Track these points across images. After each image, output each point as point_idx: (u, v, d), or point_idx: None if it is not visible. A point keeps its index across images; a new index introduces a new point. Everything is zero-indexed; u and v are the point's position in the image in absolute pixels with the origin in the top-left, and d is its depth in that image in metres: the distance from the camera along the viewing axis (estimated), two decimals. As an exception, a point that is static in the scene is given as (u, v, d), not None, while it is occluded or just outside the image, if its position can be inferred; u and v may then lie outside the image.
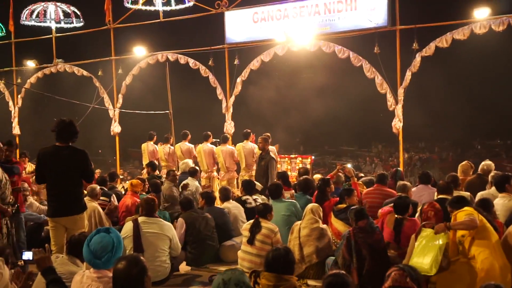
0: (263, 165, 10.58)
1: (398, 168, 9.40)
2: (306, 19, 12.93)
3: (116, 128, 15.81)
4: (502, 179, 7.04)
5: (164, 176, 10.84)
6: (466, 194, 7.55)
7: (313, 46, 12.72)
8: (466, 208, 5.42)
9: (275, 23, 13.36)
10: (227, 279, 3.24)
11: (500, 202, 6.78)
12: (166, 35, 20.50)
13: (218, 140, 12.54)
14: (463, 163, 9.25)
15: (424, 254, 5.36)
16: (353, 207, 6.36)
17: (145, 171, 12.02)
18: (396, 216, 6.43)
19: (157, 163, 12.30)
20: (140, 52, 15.32)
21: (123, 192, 9.87)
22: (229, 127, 14.04)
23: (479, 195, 7.19)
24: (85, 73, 16.08)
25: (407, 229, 6.20)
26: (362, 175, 11.33)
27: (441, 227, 5.44)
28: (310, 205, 6.93)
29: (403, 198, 6.65)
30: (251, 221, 6.84)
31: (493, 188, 7.34)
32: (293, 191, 8.85)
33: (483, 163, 8.68)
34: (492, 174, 7.98)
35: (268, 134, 12.12)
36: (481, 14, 10.91)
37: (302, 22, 12.93)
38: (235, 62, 13.92)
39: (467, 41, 11.42)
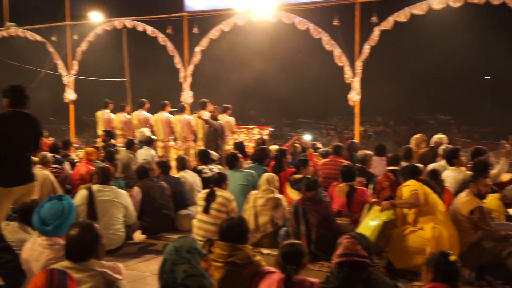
0: (211, 131, 10.65)
1: (354, 140, 9.54)
2: (266, -11, 12.80)
3: (70, 95, 15.44)
4: (451, 154, 7.26)
5: (120, 144, 10.69)
6: (419, 166, 7.76)
7: (273, 17, 12.64)
8: (411, 182, 5.56)
9: (236, -8, 13.19)
10: (179, 246, 3.24)
11: (450, 175, 6.99)
12: (124, 1, 20.02)
13: (176, 109, 12.42)
14: (416, 136, 9.46)
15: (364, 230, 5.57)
16: (306, 177, 6.46)
17: (100, 139, 11.83)
18: (347, 184, 6.60)
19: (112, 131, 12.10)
20: (96, 18, 14.90)
21: (78, 161, 9.71)
22: (187, 96, 13.90)
23: (431, 166, 7.39)
24: (38, 38, 15.56)
25: (358, 196, 6.42)
26: (320, 146, 11.46)
27: (387, 205, 5.65)
28: (266, 175, 6.97)
29: (348, 166, 6.94)
30: (206, 190, 6.85)
31: (444, 160, 7.56)
32: (250, 161, 8.88)
33: (435, 136, 8.91)
34: (443, 147, 8.19)
35: (228, 105, 12.13)
36: (439, -10, 11.02)
37: (263, -8, 12.80)
38: (194, 31, 13.73)
39: (425, 16, 11.54)
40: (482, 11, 12.36)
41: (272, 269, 3.99)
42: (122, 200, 6.58)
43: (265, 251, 6.50)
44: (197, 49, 13.66)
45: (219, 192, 6.71)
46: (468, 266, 5.48)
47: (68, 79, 15.29)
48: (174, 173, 8.56)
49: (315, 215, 6.07)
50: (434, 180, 6.21)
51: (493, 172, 7.38)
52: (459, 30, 27.32)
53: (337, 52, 11.98)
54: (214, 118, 10.81)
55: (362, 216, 6.13)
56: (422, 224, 5.39)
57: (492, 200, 6.16)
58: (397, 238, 5.45)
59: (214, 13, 13.51)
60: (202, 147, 10.80)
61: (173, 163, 9.00)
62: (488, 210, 5.73)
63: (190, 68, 13.88)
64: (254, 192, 6.94)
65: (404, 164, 7.59)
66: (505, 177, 7.58)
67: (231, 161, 7.92)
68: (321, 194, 6.29)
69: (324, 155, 9.09)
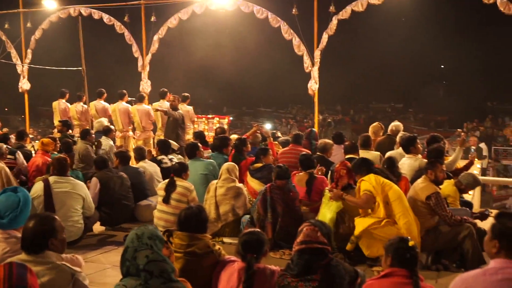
0: (171, 121, 10.58)
1: (313, 129, 9.61)
2: (225, -23, 12.72)
3: (24, 85, 15.05)
4: (408, 142, 7.41)
5: (77, 135, 10.49)
6: (376, 153, 7.91)
7: (231, 6, 12.58)
8: (368, 179, 5.62)
9: (194, -20, 13.05)
10: (140, 233, 3.22)
11: (407, 162, 7.14)
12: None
13: (134, 99, 12.26)
14: (374, 124, 9.61)
15: None
16: (278, 166, 6.46)
17: (56, 130, 11.58)
18: (306, 172, 6.66)
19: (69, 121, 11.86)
20: (50, 5, 14.53)
21: (33, 152, 9.48)
22: (146, 86, 13.75)
23: (388, 154, 7.53)
24: (-11, 25, 15.11)
25: (318, 185, 6.49)
26: (279, 135, 11.51)
27: (337, 196, 5.74)
28: (226, 164, 6.96)
29: (306, 155, 6.97)
30: (167, 180, 6.80)
31: (401, 148, 7.71)
32: (210, 150, 8.86)
33: (392, 124, 9.07)
34: (400, 135, 8.34)
35: (187, 94, 12.04)
36: (395, -20, 11.20)
37: (220, -20, 12.72)
38: (152, 19, 13.54)
39: (382, 6, 11.68)
40: (438, 1, 12.59)
41: (233, 258, 4.00)
42: (80, 192, 6.48)
43: (226, 240, 6.53)
44: (155, 37, 13.50)
45: (179, 182, 6.67)
46: (425, 250, 5.63)
47: (22, 68, 14.88)
48: (133, 163, 8.46)
49: (282, 205, 6.10)
50: (391, 168, 6.33)
51: (449, 159, 7.58)
52: (415, 19, 27.79)
53: (296, 41, 12.03)
54: (174, 107, 10.71)
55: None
56: (395, 216, 5.47)
57: (447, 186, 6.31)
58: (371, 229, 5.50)
59: (172, 1, 13.36)
60: (162, 137, 10.71)
61: (132, 153, 8.90)
62: (444, 195, 5.88)
63: (148, 57, 13.72)
64: (215, 181, 6.92)
65: (362, 152, 7.73)
66: (460, 164, 7.78)
67: (192, 151, 7.88)
68: (291, 184, 6.33)
69: (284, 144, 9.12)
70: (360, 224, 5.57)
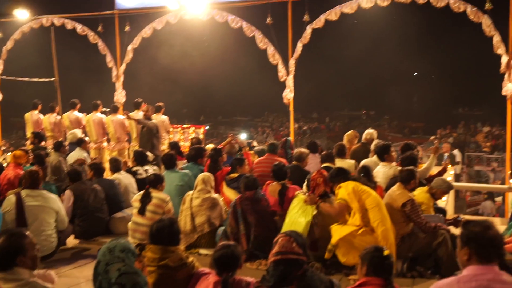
0: (145, 131, 10.51)
1: (288, 138, 9.63)
2: (199, -13, 12.71)
3: (-4, 96, 14.81)
4: (382, 149, 7.48)
5: (50, 147, 10.35)
6: (352, 162, 7.96)
7: (206, 15, 12.57)
8: (346, 185, 5.64)
9: (168, -11, 13.02)
10: (112, 246, 3.19)
11: (381, 170, 7.19)
12: (52, -2, 19.38)
13: (108, 109, 12.15)
14: (349, 132, 9.68)
15: (292, 228, 5.68)
16: (245, 177, 6.46)
17: (29, 141, 11.40)
18: (279, 182, 6.65)
19: (42, 133, 11.69)
20: (22, 16, 14.33)
21: (5, 164, 9.31)
22: (120, 96, 13.64)
23: (362, 162, 7.58)
24: (-40, 35, 14.84)
25: (290, 194, 6.48)
26: (255, 144, 11.51)
27: (312, 200, 5.76)
28: (201, 175, 6.93)
29: (279, 165, 6.89)
30: (142, 191, 6.75)
31: (376, 156, 7.77)
32: (186, 160, 8.81)
33: (366, 131, 9.14)
34: (374, 143, 8.41)
35: (161, 103, 11.98)
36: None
37: (195, -10, 12.70)
38: (126, 29, 13.47)
39: (355, 15, 11.79)
40: (409, 10, 12.78)
41: (207, 270, 3.98)
42: (53, 205, 6.38)
43: (202, 251, 6.49)
44: (129, 47, 13.42)
45: (155, 194, 6.63)
46: (400, 257, 5.67)
47: (-6, 79, 14.65)
48: (108, 175, 8.37)
49: (253, 215, 6.09)
50: (366, 176, 6.36)
51: (423, 167, 7.66)
52: (387, 27, 28.14)
53: (271, 50, 12.06)
54: (148, 118, 10.65)
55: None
56: (373, 224, 5.48)
57: (421, 193, 6.37)
58: (349, 237, 5.51)
59: (146, 11, 13.31)
60: (136, 148, 10.63)
61: (107, 165, 8.80)
62: (418, 203, 5.93)
63: (122, 67, 13.62)
64: (190, 192, 6.88)
65: (338, 160, 7.77)
66: (434, 171, 7.87)
67: (169, 162, 7.83)
68: (259, 193, 6.32)
69: (260, 153, 9.13)
70: (337, 232, 5.58)
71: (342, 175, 5.83)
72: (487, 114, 32.88)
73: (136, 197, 6.77)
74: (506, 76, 10.26)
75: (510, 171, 9.57)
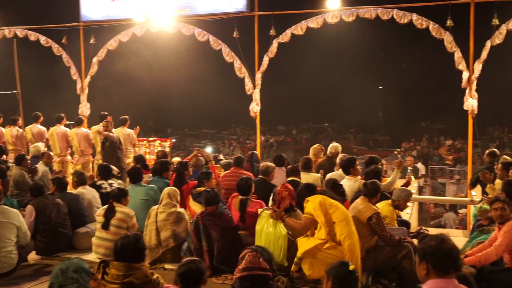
0: (108, 145, 10.39)
1: (254, 151, 9.65)
2: (166, 0, 12.69)
3: (-44, 108, 14.44)
4: (347, 163, 7.56)
5: (11, 160, 10.12)
6: (317, 175, 8.01)
7: (172, 28, 12.56)
8: (313, 199, 5.63)
9: (134, 2, 12.96)
10: (65, 267, 3.12)
11: (346, 184, 7.25)
12: (15, 9, 19.02)
13: (72, 122, 11.97)
14: (314, 146, 9.75)
15: (271, 243, 5.69)
16: (206, 191, 6.41)
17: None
18: (241, 197, 6.63)
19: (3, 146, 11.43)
20: (-17, 27, 14.08)
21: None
22: (85, 109, 13.48)
23: (328, 176, 7.63)
24: None
25: (251, 209, 6.45)
26: (222, 158, 11.49)
27: (278, 216, 5.76)
28: (167, 189, 6.87)
29: (244, 179, 6.82)
30: (106, 206, 6.65)
31: (341, 169, 7.85)
32: (151, 174, 8.73)
33: (331, 145, 9.24)
34: (340, 156, 8.48)
35: (126, 116, 11.88)
36: (333, 5, 11.46)
37: (161, 3, 12.68)
38: (91, 41, 13.34)
39: (321, 30, 11.94)
40: (374, 25, 13.00)
41: (172, 286, 3.93)
42: (14, 220, 6.21)
43: (168, 266, 6.41)
44: (94, 59, 13.29)
45: (119, 208, 6.54)
46: (365, 270, 5.71)
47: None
48: (71, 188, 8.22)
49: (216, 229, 6.04)
50: (335, 189, 6.39)
51: (387, 180, 7.76)
52: (354, 42, 28.55)
53: (237, 64, 12.11)
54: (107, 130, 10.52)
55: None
56: (339, 238, 5.49)
57: (384, 207, 6.44)
58: (315, 250, 5.51)
59: (111, 23, 13.23)
60: (101, 161, 10.49)
61: (70, 179, 8.65)
62: (382, 216, 5.99)
63: (87, 79, 13.47)
64: (155, 206, 6.82)
65: (303, 174, 7.80)
66: (398, 184, 7.98)
67: (135, 176, 7.75)
68: (221, 207, 6.29)
69: (226, 166, 9.11)
70: (303, 245, 5.58)
71: (310, 191, 5.85)
72: (449, 128, 33.63)
73: (99, 212, 6.67)
74: (467, 91, 10.53)
75: (470, 183, 9.78)
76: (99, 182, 8.29)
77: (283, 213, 5.89)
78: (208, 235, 6.02)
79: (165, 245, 6.53)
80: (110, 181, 8.34)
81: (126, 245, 4.11)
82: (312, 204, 5.58)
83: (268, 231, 5.87)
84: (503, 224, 5.34)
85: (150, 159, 11.44)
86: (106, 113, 11.57)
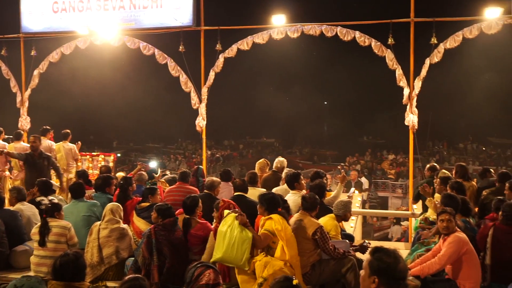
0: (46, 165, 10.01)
1: (200, 166, 9.60)
2: (110, 13, 12.52)
3: None
4: (292, 178, 7.62)
5: None
6: (263, 190, 8.01)
7: (117, 41, 12.40)
8: (277, 219, 5.63)
9: (77, 14, 12.72)
10: (20, 285, 2.99)
11: (291, 198, 7.31)
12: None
13: (11, 136, 11.57)
14: (260, 160, 9.79)
15: (235, 246, 5.60)
16: (159, 205, 6.29)
17: None
18: (184, 216, 6.50)
19: None
20: None
21: None
22: (25, 122, 13.08)
23: (273, 190, 7.66)
24: None
25: (195, 232, 6.28)
26: (168, 173, 11.37)
27: (243, 220, 5.69)
28: (109, 205, 6.72)
29: (190, 198, 6.57)
30: (39, 223, 6.44)
31: (286, 184, 7.91)
32: (94, 190, 8.52)
33: (276, 160, 9.29)
34: (285, 171, 8.55)
35: (68, 130, 11.59)
36: (278, 21, 11.61)
37: (106, 16, 12.51)
38: (32, 53, 12.99)
39: (267, 45, 12.05)
40: (318, 42, 13.25)
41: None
42: None
43: (110, 284, 6.25)
44: (35, 72, 12.94)
45: (54, 223, 6.35)
46: (311, 284, 5.75)
47: None
48: (9, 205, 7.91)
49: (168, 246, 5.91)
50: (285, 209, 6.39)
51: (331, 195, 7.87)
52: (297, 57, 28.98)
53: (183, 78, 12.06)
54: (35, 148, 10.04)
55: (210, 241, 6.11)
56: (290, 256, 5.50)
57: (328, 221, 6.52)
58: (280, 273, 5.44)
59: (53, 35, 12.92)
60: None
61: (8, 195, 8.34)
62: (326, 230, 6.06)
63: (27, 92, 13.09)
64: (98, 223, 6.65)
65: (249, 189, 7.79)
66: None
67: (77, 191, 7.54)
68: (175, 222, 6.18)
69: (171, 182, 9.02)
70: (270, 266, 5.46)
71: (276, 204, 5.83)
72: (390, 143, 34.56)
73: (34, 230, 6.45)
74: (408, 107, 10.84)
75: (413, 197, 10.04)
76: (38, 199, 8.01)
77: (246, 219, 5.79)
78: (160, 250, 5.88)
79: (108, 262, 6.37)
80: (50, 197, 8.07)
81: (65, 264, 3.98)
82: (275, 222, 5.57)
83: (233, 234, 5.75)
84: (448, 236, 5.49)
85: (94, 174, 11.17)
86: (48, 127, 11.27)
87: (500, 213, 5.86)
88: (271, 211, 5.74)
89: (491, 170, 9.41)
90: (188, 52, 12.13)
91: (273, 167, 9.23)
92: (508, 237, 5.66)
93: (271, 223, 5.60)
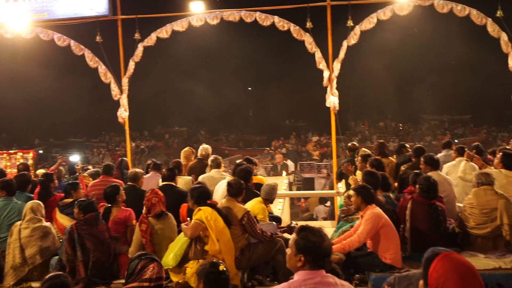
0: None
1: (124, 158, 9.45)
2: (20, 4, 11.96)
3: None
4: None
5: None
6: (188, 178, 8.01)
7: (29, 33, 11.88)
8: (205, 209, 5.63)
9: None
10: None
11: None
12: None
13: None
14: (185, 149, 9.74)
15: (173, 244, 5.67)
16: (81, 200, 6.15)
17: None
18: (106, 205, 6.50)
19: None
20: None
21: None
22: None
23: (200, 178, 7.69)
24: None
25: (119, 216, 6.31)
26: (91, 167, 11.09)
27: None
28: (30, 204, 6.50)
29: (109, 187, 6.62)
30: None
31: (213, 170, 7.95)
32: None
33: (201, 147, 9.28)
34: (211, 158, 8.54)
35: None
36: (197, 8, 11.53)
37: (15, 7, 11.94)
38: None
39: (187, 32, 11.95)
40: (239, 28, 13.24)
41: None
42: None
43: (35, 285, 6.09)
44: None
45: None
46: (240, 268, 5.81)
47: None
48: None
49: (91, 239, 5.82)
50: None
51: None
52: (220, 45, 28.90)
53: (102, 69, 11.77)
54: None
55: (136, 232, 6.06)
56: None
57: (256, 204, 6.61)
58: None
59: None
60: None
61: None
62: (254, 214, 6.14)
63: None
64: (18, 222, 6.41)
65: (179, 178, 7.74)
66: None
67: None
68: (98, 216, 6.06)
69: (94, 175, 8.81)
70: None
71: (206, 197, 5.83)
72: (312, 125, 35.22)
73: None
74: (328, 89, 11.10)
75: (336, 176, 10.34)
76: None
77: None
78: (83, 245, 5.77)
79: (31, 263, 6.18)
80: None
81: (-18, 267, 3.83)
82: (204, 213, 5.57)
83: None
84: (364, 212, 5.70)
85: (12, 173, 10.70)
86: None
87: (417, 186, 6.13)
88: (199, 204, 5.75)
89: (407, 145, 9.83)
90: (106, 42, 11.85)
91: (198, 154, 9.21)
92: (424, 208, 5.95)
93: (201, 213, 5.62)
